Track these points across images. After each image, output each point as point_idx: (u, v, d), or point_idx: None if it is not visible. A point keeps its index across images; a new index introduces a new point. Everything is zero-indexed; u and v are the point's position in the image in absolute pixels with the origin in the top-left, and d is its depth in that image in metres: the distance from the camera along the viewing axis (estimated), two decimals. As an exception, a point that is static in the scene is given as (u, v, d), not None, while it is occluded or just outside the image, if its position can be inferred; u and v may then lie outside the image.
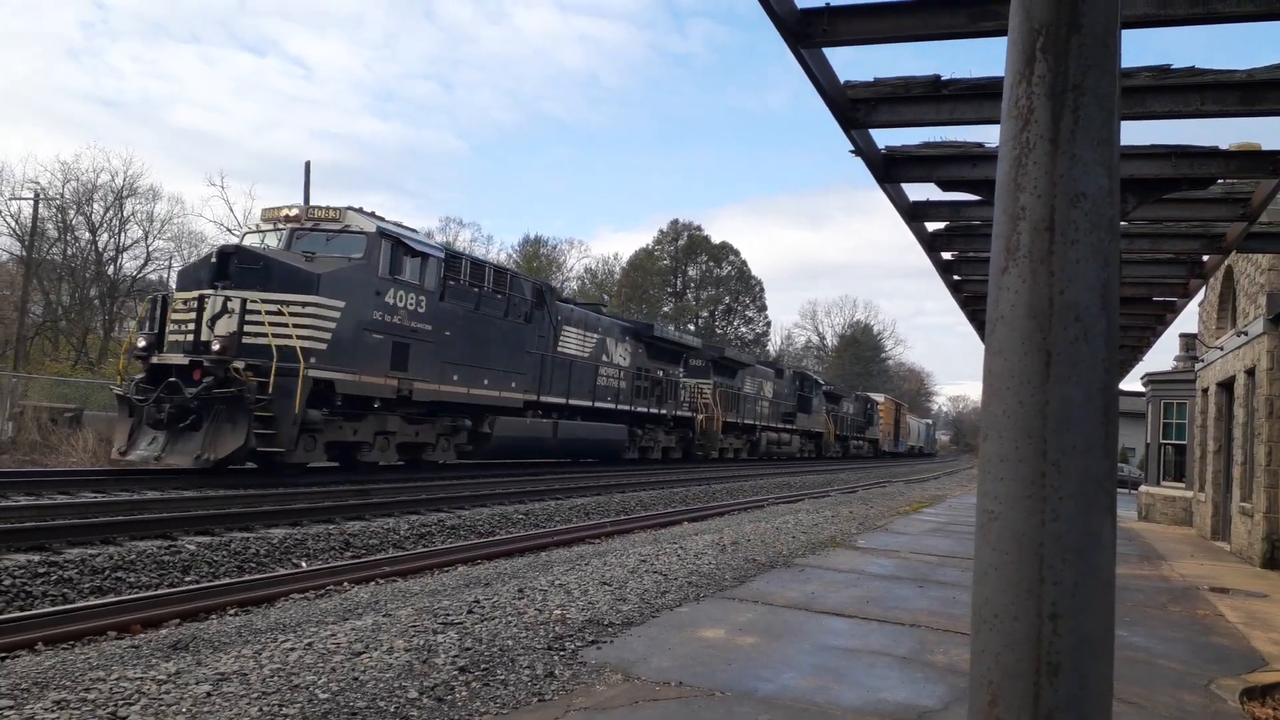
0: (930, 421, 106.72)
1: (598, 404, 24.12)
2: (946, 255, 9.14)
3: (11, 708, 4.19)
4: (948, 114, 5.46)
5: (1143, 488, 21.82)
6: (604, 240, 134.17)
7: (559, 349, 22.04)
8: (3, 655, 5.45)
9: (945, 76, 5.40)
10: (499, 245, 75.27)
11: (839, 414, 54.16)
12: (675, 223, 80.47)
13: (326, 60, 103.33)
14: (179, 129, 79.35)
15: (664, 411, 28.65)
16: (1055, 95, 2.01)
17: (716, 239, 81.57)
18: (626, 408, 25.83)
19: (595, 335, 24.34)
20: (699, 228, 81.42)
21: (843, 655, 5.72)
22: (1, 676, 4.87)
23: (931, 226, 8.31)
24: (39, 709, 4.07)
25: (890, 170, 6.58)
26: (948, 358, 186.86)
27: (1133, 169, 5.63)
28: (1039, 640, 1.98)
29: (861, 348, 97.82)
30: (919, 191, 7.49)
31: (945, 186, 6.56)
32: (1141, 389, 22.07)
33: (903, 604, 7.59)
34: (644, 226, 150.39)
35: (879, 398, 68.45)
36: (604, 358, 24.78)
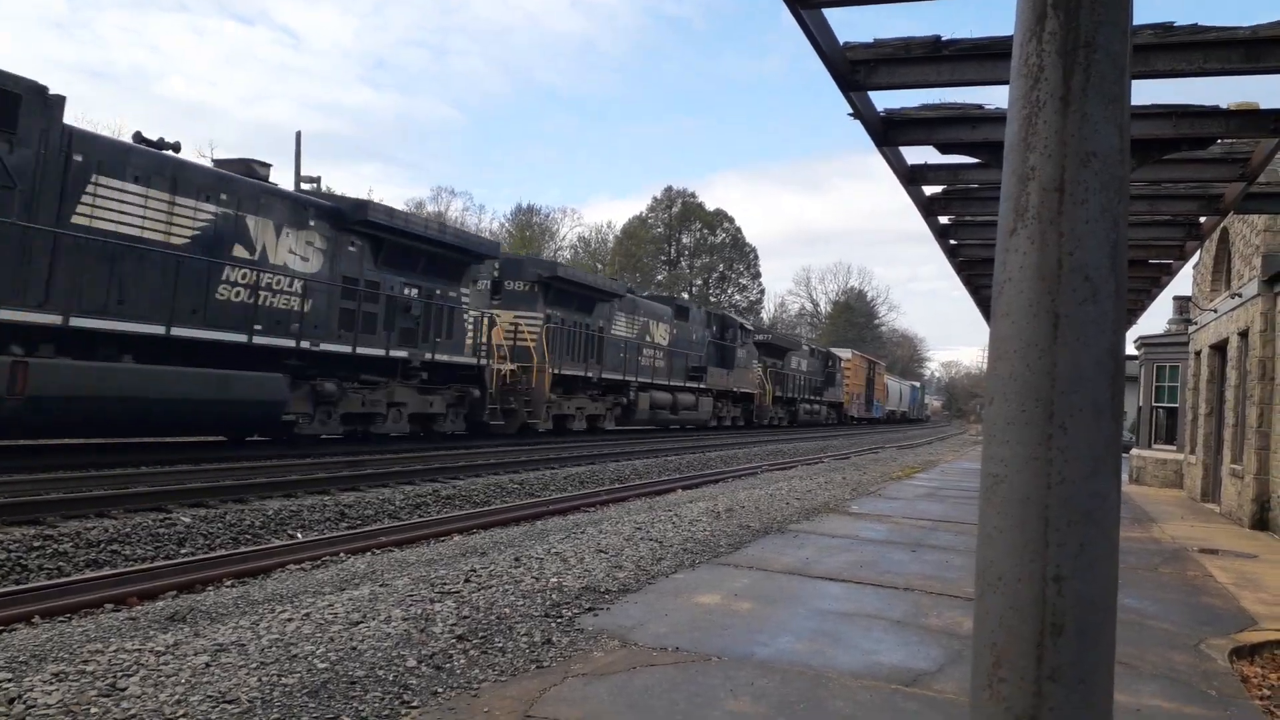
0: (917, 384, 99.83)
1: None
2: (944, 219, 9.08)
3: (10, 680, 4.18)
4: (949, 75, 5.38)
5: (1134, 450, 21.96)
6: (598, 208, 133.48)
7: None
8: (0, 629, 5.44)
9: (946, 37, 5.32)
10: (491, 215, 74.79)
11: (782, 371, 44.75)
12: (669, 190, 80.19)
13: (316, 29, 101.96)
14: (168, 100, 78.40)
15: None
16: (1066, 52, 1.96)
17: (711, 206, 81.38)
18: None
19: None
20: (693, 195, 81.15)
21: (838, 619, 5.74)
22: (0, 650, 4.86)
23: (929, 190, 8.24)
24: (37, 681, 4.06)
25: (889, 133, 6.50)
26: (942, 323, 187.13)
27: (1133, 129, 5.57)
28: (1043, 602, 1.97)
29: (855, 314, 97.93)
30: (917, 155, 7.42)
31: (944, 149, 6.49)
32: (1134, 352, 22.14)
33: (897, 568, 7.63)
34: (638, 194, 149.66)
35: (844, 353, 59.31)
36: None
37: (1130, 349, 22.85)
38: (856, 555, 8.18)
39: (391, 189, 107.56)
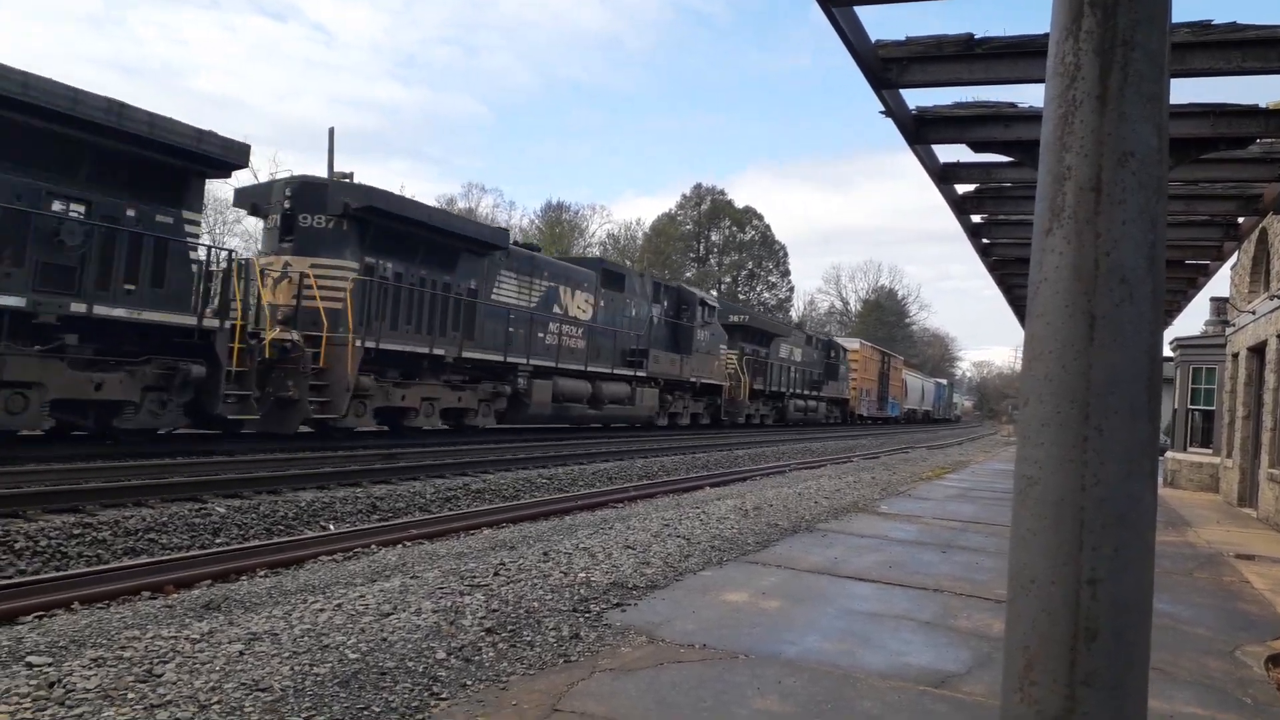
0: (944, 382, 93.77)
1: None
2: (976, 218, 9.02)
3: (50, 664, 4.27)
4: (982, 73, 5.35)
5: (1169, 454, 21.64)
6: (627, 205, 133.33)
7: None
8: (41, 614, 5.56)
9: (979, 35, 5.28)
10: (521, 211, 75.23)
11: (765, 360, 37.39)
12: (698, 187, 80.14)
13: (348, 25, 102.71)
14: (201, 95, 79.38)
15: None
16: (1103, 51, 1.95)
17: (740, 203, 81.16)
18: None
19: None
20: (722, 192, 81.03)
21: (867, 620, 5.73)
22: (40, 635, 4.97)
23: (961, 189, 8.19)
24: (76, 666, 4.15)
25: (921, 131, 6.47)
26: (973, 322, 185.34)
27: (1170, 129, 5.51)
28: (1077, 605, 1.96)
29: (885, 313, 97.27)
30: (949, 153, 7.38)
31: (977, 148, 6.45)
32: (1170, 354, 21.82)
33: (926, 569, 7.59)
34: (667, 191, 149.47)
35: (851, 343, 52.73)
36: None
37: (1166, 351, 22.52)
38: (885, 555, 8.14)
39: (421, 184, 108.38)
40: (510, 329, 20.41)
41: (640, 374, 26.02)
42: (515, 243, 22.33)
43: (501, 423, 20.72)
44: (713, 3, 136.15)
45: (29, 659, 4.42)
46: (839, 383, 47.94)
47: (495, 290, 20.34)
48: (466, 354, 18.54)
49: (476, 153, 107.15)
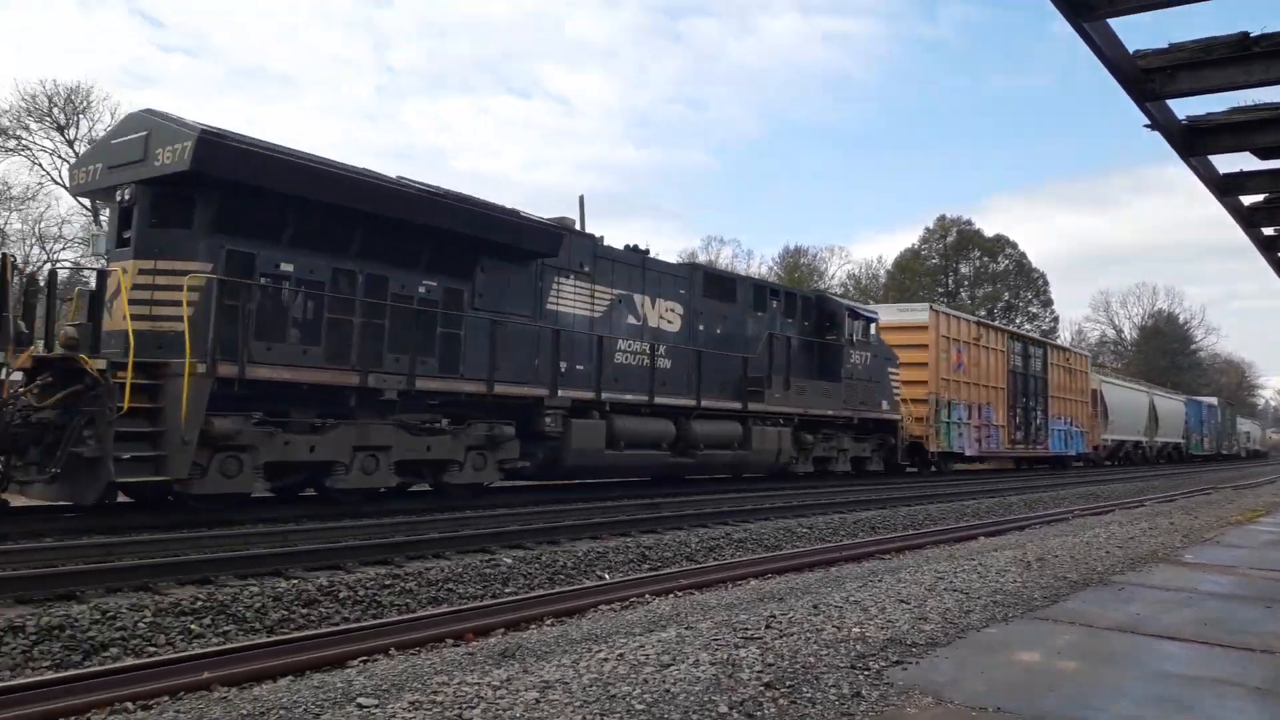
0: (1212, 402, 68.40)
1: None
2: (1269, 231, 8.10)
3: (376, 706, 4.77)
4: (1261, 74, 4.86)
5: None
6: (865, 244, 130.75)
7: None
8: (365, 659, 6.21)
9: (1254, 32, 4.81)
10: (759, 259, 75.35)
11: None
12: (942, 219, 77.10)
13: (585, 95, 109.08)
14: (461, 173, 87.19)
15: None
16: None
17: (989, 232, 77.17)
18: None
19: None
20: (968, 222, 77.44)
21: (1183, 684, 5.17)
22: (365, 678, 5.56)
23: (1248, 200, 7.40)
24: (398, 708, 4.59)
25: (1194, 142, 5.94)
26: (1274, 345, 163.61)
27: None
28: None
29: (1166, 339, 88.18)
30: (1229, 162, 6.71)
31: (1263, 154, 5.83)
32: None
33: (1249, 627, 6.74)
34: (907, 225, 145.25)
35: (889, 312, 28.47)
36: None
37: None
38: (1197, 611, 7.32)
39: (663, 241, 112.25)
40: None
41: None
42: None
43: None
44: (941, 29, 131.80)
45: (359, 700, 4.96)
46: (867, 389, 23.73)
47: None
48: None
49: (711, 205, 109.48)
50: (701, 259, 60.99)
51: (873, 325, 24.14)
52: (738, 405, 19.06)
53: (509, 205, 14.26)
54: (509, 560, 9.44)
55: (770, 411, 19.92)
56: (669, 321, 18.14)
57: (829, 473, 22.42)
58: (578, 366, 15.65)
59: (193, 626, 6.82)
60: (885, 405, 24.23)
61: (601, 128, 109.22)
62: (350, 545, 9.42)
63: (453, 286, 13.91)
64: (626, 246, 17.77)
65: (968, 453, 29.40)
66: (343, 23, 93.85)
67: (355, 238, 12.60)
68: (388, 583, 8.27)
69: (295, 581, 7.93)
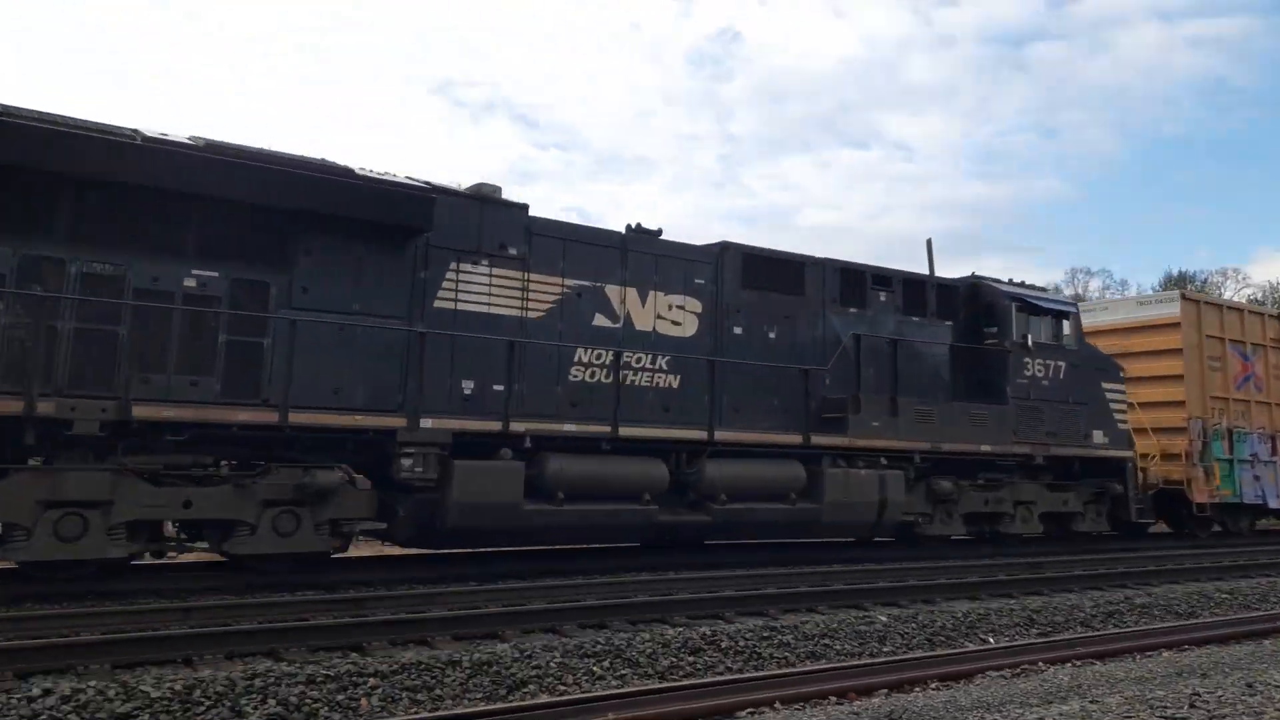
0: None
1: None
2: None
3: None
4: None
5: None
6: (1263, 265, 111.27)
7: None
8: (751, 710, 6.40)
9: None
10: (1134, 288, 67.01)
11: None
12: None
13: (925, 137, 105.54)
14: (805, 228, 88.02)
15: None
16: None
17: None
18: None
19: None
20: None
21: None
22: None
23: None
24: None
25: None
26: None
27: None
28: None
29: None
30: None
31: None
32: None
33: None
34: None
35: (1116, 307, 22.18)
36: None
37: None
38: None
39: (1022, 275, 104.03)
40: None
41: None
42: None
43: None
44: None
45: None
46: (1061, 414, 16.30)
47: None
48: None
49: (1072, 235, 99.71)
50: (1068, 292, 55.88)
51: (1066, 322, 16.71)
52: (795, 439, 13.32)
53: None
54: (884, 618, 9.24)
55: (858, 447, 13.80)
56: (674, 322, 13.06)
57: (1001, 535, 15.72)
58: (494, 387, 11.39)
59: (595, 669, 7.45)
60: (1099, 436, 16.69)
61: (944, 168, 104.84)
62: (727, 596, 9.82)
63: (249, 278, 10.12)
64: (630, 226, 13.17)
65: (1272, 504, 20.10)
66: (687, 102, 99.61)
67: (61, 213, 9.31)
68: (765, 635, 8.45)
69: (680, 629, 8.38)
